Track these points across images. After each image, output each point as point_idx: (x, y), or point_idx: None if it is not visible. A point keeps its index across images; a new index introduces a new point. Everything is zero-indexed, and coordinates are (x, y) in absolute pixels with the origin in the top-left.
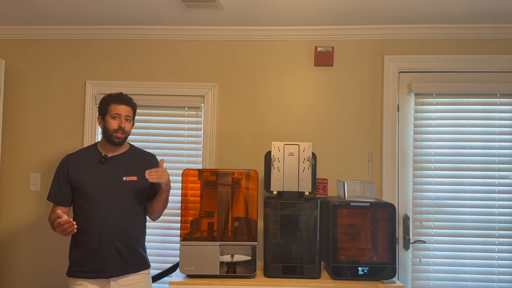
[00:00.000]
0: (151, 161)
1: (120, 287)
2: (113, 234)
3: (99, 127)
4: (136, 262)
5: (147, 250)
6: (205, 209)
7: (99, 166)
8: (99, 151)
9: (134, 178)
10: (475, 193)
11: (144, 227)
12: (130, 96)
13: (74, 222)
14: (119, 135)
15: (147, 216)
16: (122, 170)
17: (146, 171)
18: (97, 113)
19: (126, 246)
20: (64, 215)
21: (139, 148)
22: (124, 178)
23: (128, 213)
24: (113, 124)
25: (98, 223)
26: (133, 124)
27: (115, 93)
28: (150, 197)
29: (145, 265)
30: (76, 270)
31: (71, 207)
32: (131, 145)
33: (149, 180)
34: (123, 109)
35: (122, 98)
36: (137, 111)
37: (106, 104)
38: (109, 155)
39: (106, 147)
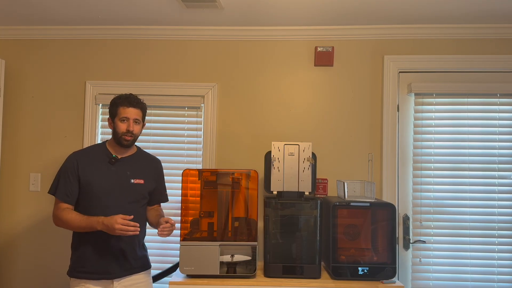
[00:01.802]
0: (157, 165)
1: (122, 287)
2: (118, 236)
3: (100, 128)
4: (138, 263)
5: (147, 250)
6: (205, 209)
7: (107, 166)
8: (109, 151)
9: (141, 181)
10: (475, 193)
11: (145, 227)
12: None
13: (139, 228)
14: (127, 138)
15: None
16: (130, 172)
17: (161, 226)
18: (107, 115)
19: (130, 247)
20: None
21: (146, 152)
22: (132, 180)
23: (133, 214)
24: (122, 127)
25: None
26: (144, 125)
27: (124, 94)
28: (150, 200)
29: (147, 265)
30: (79, 271)
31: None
32: (138, 148)
33: (160, 235)
34: (131, 112)
35: (130, 101)
36: None
37: (115, 106)
38: (118, 156)
39: (115, 148)
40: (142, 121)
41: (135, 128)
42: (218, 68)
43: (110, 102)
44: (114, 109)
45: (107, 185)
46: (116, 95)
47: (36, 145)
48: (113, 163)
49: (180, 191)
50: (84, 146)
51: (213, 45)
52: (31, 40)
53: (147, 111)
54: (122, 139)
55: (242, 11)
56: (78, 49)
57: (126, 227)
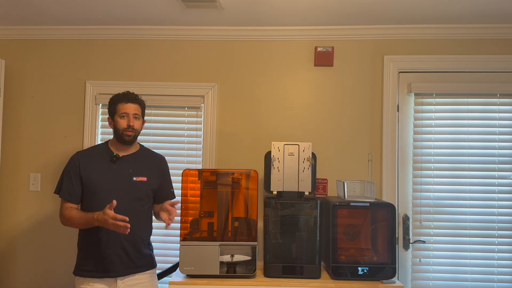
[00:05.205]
0: (161, 162)
1: (126, 286)
2: (120, 234)
3: (100, 128)
4: (142, 262)
5: (153, 250)
6: (205, 209)
7: (109, 165)
8: (111, 150)
9: (144, 178)
10: (475, 193)
11: (150, 226)
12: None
13: (129, 225)
14: (129, 133)
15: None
16: (132, 170)
17: (168, 217)
18: (107, 114)
19: (133, 246)
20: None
21: (149, 149)
22: (134, 178)
23: (136, 213)
24: (122, 123)
25: None
26: (144, 121)
27: (122, 92)
28: (156, 198)
29: (152, 264)
30: (83, 270)
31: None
32: (141, 146)
33: (168, 223)
34: (130, 107)
35: (128, 97)
36: None
37: (113, 103)
38: (120, 154)
39: (117, 146)
40: (141, 117)
41: (135, 123)
42: (218, 68)
43: (109, 101)
44: (113, 107)
45: (108, 183)
46: (114, 94)
47: (36, 145)
48: (114, 161)
49: (180, 191)
50: (84, 146)
51: (213, 45)
52: (31, 40)
53: (147, 110)
54: (124, 135)
55: (242, 11)
56: (78, 49)
57: (118, 223)
